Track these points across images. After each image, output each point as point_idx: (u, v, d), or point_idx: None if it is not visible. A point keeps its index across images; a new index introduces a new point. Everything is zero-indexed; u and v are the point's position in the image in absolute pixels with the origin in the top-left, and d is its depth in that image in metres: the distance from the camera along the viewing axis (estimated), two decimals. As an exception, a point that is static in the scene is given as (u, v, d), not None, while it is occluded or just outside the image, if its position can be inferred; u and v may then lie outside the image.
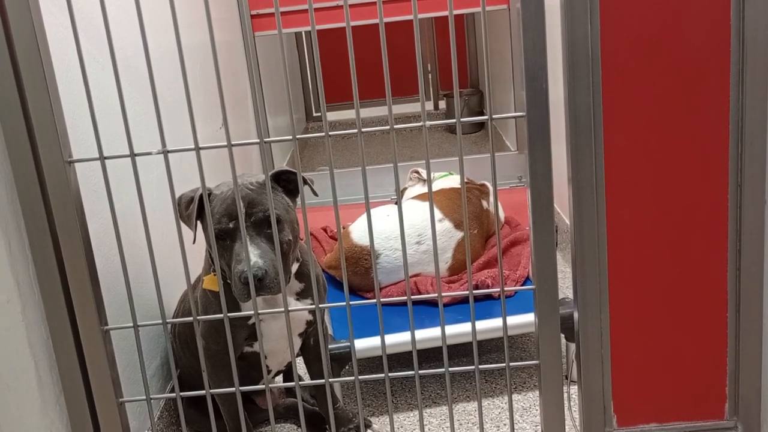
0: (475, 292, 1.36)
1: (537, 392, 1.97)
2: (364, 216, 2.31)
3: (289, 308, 1.37)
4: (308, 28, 3.28)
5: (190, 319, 1.39)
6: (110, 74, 1.66)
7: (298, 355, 1.86)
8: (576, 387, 1.51)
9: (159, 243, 1.83)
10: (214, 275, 1.61)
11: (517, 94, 3.54)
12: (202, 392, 1.41)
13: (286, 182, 1.59)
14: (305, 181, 1.53)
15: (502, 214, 2.60)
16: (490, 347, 2.27)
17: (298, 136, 1.27)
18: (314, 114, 5.56)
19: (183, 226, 1.45)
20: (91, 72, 1.57)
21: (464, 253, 2.24)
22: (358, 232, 2.30)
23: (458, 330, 1.91)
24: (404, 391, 2.09)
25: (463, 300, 2.12)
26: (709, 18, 1.29)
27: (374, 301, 1.37)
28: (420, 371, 1.39)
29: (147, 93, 1.87)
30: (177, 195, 1.48)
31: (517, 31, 1.24)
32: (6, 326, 1.32)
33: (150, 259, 1.33)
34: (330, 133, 1.26)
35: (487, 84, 4.81)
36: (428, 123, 1.25)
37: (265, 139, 1.30)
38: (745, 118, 1.32)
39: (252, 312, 1.39)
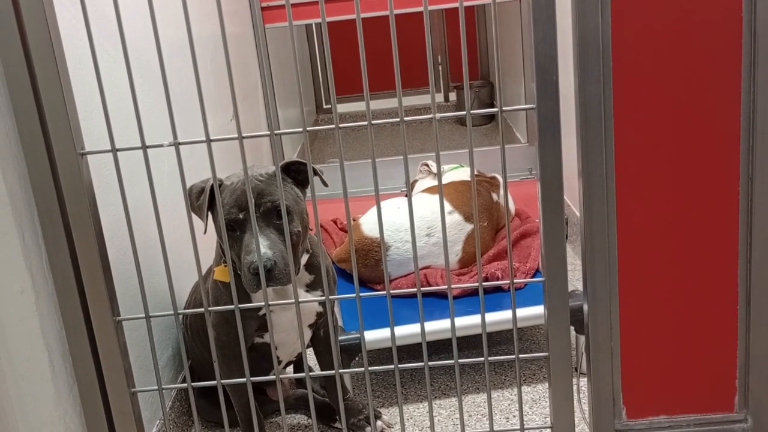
0: (484, 284, 1.36)
1: (546, 384, 1.97)
2: (375, 208, 2.32)
3: (299, 299, 1.38)
4: (319, 20, 3.28)
5: (202, 310, 1.40)
6: (122, 67, 1.67)
7: (308, 347, 1.87)
8: (585, 379, 1.51)
9: (170, 234, 1.85)
10: (225, 266, 1.62)
11: (527, 86, 3.53)
12: (213, 383, 1.42)
13: (296, 173, 1.59)
14: (315, 172, 1.53)
15: (512, 207, 2.60)
16: (499, 339, 2.27)
17: (308, 128, 1.27)
18: (324, 106, 5.56)
19: (194, 217, 1.46)
20: (103, 65, 1.58)
21: (474, 246, 2.24)
22: (368, 224, 2.30)
23: (468, 322, 1.91)
24: (414, 382, 2.10)
25: (473, 292, 2.12)
26: (721, 8, 1.28)
27: (384, 293, 1.37)
28: (429, 363, 1.39)
29: (158, 85, 1.88)
30: (188, 186, 1.49)
31: (528, 23, 1.24)
32: (20, 316, 1.34)
33: (162, 250, 1.34)
34: (340, 125, 1.26)
35: (497, 76, 4.79)
36: (438, 115, 1.25)
37: (276, 131, 1.31)
38: (756, 110, 1.32)
39: (262, 303, 1.39)
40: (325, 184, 1.59)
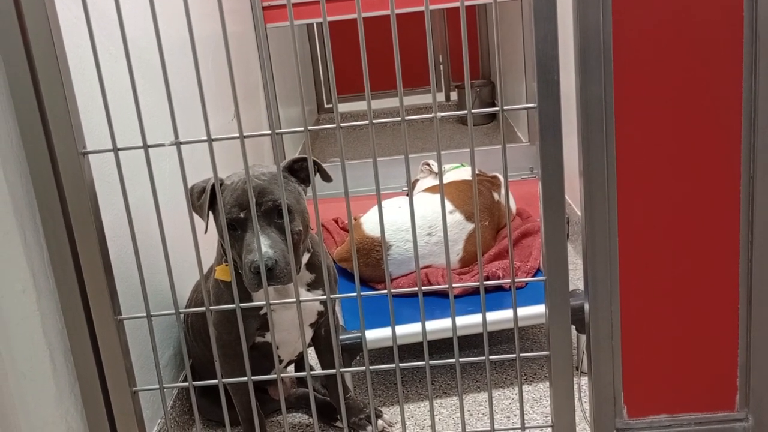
0: (485, 283, 1.36)
1: (547, 383, 1.97)
2: (376, 207, 2.32)
3: (301, 299, 1.38)
4: (320, 20, 3.28)
5: (203, 309, 1.40)
6: (123, 66, 1.67)
7: (309, 346, 1.87)
8: (586, 378, 1.52)
9: (171, 234, 1.84)
10: (226, 265, 1.62)
11: (528, 86, 3.53)
12: (215, 382, 1.42)
13: (301, 171, 1.59)
14: (317, 166, 1.52)
15: (513, 206, 2.60)
16: (500, 338, 2.27)
17: (309, 128, 1.27)
18: (325, 105, 5.56)
19: (195, 216, 1.46)
20: (104, 64, 1.58)
21: (475, 245, 2.24)
22: (369, 223, 2.30)
23: (469, 321, 1.91)
24: (415, 381, 2.10)
25: (474, 291, 2.12)
26: (722, 7, 1.28)
27: (385, 292, 1.37)
28: (430, 362, 1.40)
29: (159, 84, 1.88)
30: (189, 186, 1.49)
31: (529, 22, 1.24)
32: (21, 315, 1.34)
33: (163, 249, 1.34)
34: (341, 124, 1.26)
35: (498, 75, 4.79)
36: (439, 114, 1.25)
37: (277, 131, 1.31)
38: (757, 108, 1.32)
39: (264, 302, 1.40)
40: (328, 178, 1.58)
